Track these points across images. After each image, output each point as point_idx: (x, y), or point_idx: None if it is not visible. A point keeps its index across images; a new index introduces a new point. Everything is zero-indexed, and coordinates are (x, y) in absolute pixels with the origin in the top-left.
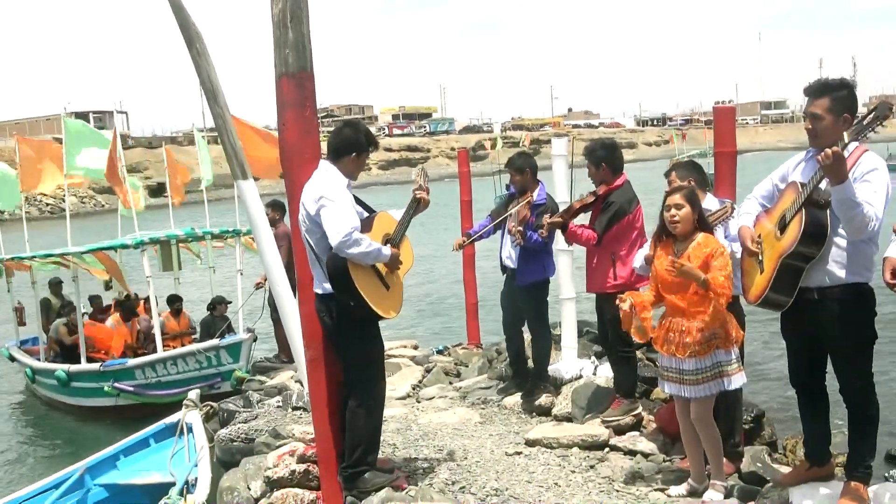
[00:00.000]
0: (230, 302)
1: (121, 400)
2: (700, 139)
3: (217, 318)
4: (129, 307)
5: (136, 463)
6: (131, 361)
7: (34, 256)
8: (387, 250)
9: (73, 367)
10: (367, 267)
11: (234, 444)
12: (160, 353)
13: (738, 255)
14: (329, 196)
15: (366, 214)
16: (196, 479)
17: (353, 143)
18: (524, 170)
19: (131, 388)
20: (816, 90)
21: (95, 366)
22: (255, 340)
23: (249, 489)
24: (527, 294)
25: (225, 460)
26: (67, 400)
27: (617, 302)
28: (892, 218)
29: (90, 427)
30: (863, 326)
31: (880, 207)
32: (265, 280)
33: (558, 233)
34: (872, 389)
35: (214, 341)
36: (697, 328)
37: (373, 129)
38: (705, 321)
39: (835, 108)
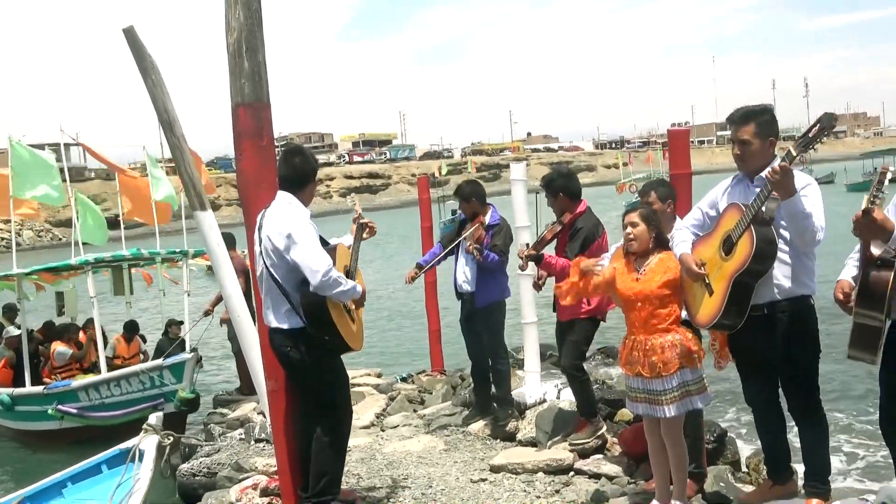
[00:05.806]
0: (182, 323)
1: (65, 423)
2: (645, 162)
3: (172, 339)
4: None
5: (82, 491)
6: (75, 383)
7: None
8: (360, 288)
9: (17, 391)
10: (338, 303)
11: (196, 478)
12: (104, 375)
13: None
14: (298, 233)
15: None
16: None
17: (308, 171)
18: (470, 198)
19: (75, 411)
20: (742, 117)
21: (39, 388)
22: (199, 360)
23: None
24: (485, 314)
25: (187, 495)
26: (12, 425)
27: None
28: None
29: (39, 453)
30: (810, 341)
31: (821, 218)
32: (213, 308)
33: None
34: (820, 404)
35: (157, 361)
36: (662, 346)
37: (333, 157)
38: (672, 339)
39: (761, 132)
